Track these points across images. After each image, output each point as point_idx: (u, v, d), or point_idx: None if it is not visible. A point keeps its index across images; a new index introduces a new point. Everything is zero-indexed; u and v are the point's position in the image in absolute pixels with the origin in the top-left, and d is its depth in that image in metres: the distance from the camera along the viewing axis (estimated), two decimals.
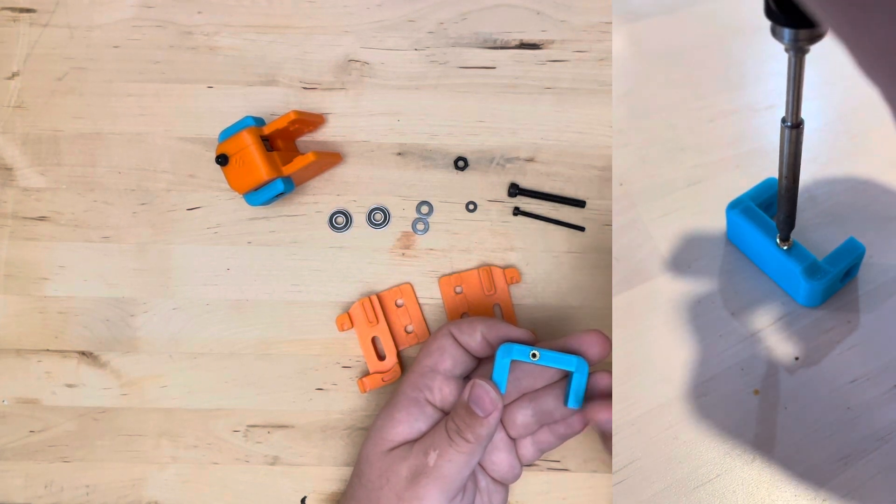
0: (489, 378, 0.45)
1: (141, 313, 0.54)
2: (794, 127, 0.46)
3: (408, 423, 0.45)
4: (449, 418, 0.44)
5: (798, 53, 0.42)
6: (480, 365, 0.48)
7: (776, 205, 0.55)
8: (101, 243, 0.54)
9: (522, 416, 0.46)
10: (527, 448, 0.47)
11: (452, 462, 0.43)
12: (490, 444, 0.46)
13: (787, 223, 0.51)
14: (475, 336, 0.47)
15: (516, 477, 0.47)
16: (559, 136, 0.55)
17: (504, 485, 0.48)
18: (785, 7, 0.38)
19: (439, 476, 0.43)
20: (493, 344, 0.46)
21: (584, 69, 0.55)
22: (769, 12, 0.39)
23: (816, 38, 0.40)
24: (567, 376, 0.46)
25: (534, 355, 0.44)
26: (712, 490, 0.47)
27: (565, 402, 0.45)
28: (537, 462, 0.52)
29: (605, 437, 0.46)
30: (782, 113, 0.46)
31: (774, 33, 0.41)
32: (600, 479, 0.52)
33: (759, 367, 0.51)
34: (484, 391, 0.44)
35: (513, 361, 0.45)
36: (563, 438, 0.47)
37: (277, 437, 0.53)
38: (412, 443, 0.45)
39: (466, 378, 0.47)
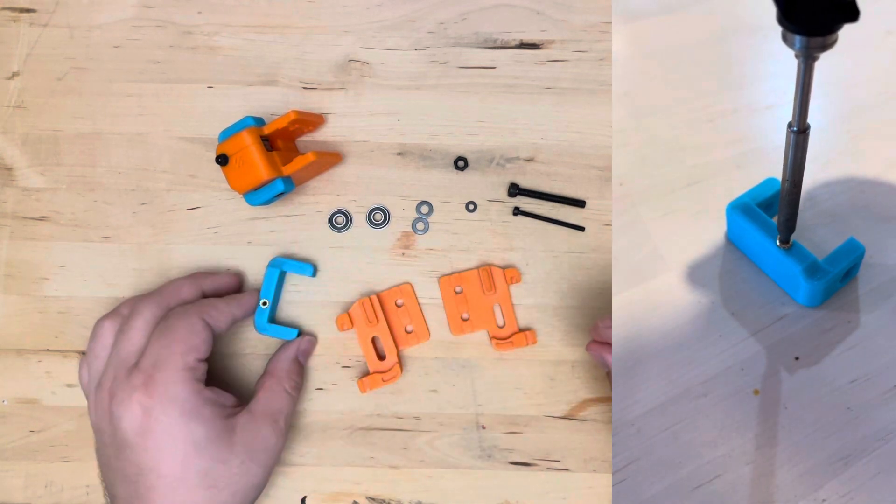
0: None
1: None
2: (800, 132, 0.46)
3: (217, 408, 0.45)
4: (283, 379, 0.49)
5: (808, 60, 0.42)
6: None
7: (776, 205, 0.56)
8: (101, 243, 0.54)
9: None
10: None
11: (294, 411, 0.50)
12: None
13: (787, 226, 0.51)
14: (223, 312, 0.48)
15: None
16: (559, 136, 0.55)
17: None
18: (796, 15, 0.38)
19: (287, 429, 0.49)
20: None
21: (584, 69, 0.55)
22: (781, 19, 0.39)
23: (827, 46, 0.40)
24: None
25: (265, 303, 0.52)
26: (712, 490, 0.47)
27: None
28: (537, 462, 0.52)
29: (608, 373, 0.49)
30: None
31: (785, 39, 0.41)
32: (600, 479, 0.52)
33: (759, 367, 0.51)
34: (313, 345, 0.53)
35: None
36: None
37: None
38: (250, 414, 0.46)
39: None
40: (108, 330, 0.47)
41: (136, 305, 0.47)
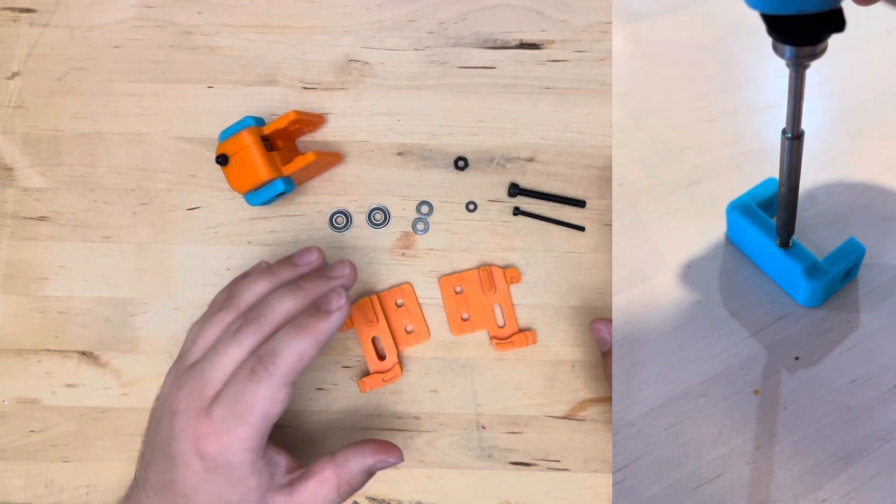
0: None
1: (141, 313, 0.54)
2: (794, 138, 0.46)
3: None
4: (343, 483, 0.44)
5: (799, 69, 0.42)
6: None
7: (776, 205, 0.56)
8: (101, 243, 0.54)
9: None
10: None
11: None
12: None
13: (785, 229, 0.51)
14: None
15: None
16: (559, 136, 0.55)
17: None
18: (785, 26, 0.39)
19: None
20: None
21: (584, 69, 0.55)
22: (769, 30, 0.40)
23: (817, 54, 0.40)
24: None
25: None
26: (712, 490, 0.47)
27: None
28: (537, 462, 0.52)
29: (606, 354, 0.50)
30: (782, 112, 0.46)
31: (776, 49, 0.41)
32: (600, 479, 0.52)
33: (759, 367, 0.51)
34: (390, 464, 0.46)
35: None
36: None
37: (277, 437, 0.53)
38: (290, 500, 0.44)
39: None
40: (207, 337, 0.45)
41: (236, 333, 0.43)
